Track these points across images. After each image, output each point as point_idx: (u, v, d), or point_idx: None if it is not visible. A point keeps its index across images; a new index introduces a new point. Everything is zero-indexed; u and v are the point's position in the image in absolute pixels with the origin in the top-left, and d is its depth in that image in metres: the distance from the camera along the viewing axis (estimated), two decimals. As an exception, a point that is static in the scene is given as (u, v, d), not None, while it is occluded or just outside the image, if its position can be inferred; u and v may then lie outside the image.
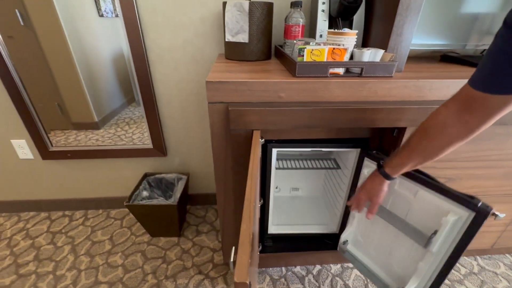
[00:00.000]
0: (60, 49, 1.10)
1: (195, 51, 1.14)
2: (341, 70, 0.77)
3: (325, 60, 0.74)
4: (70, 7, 1.03)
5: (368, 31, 0.89)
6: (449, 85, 0.76)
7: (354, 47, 0.78)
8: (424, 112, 0.75)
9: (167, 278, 1.14)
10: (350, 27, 0.90)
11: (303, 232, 1.14)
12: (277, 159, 1.17)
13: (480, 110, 0.49)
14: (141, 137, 1.32)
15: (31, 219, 1.46)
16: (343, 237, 0.98)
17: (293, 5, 0.92)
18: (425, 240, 0.70)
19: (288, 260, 1.19)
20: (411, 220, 0.75)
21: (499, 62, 0.44)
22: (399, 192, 0.76)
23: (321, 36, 0.93)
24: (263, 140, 0.85)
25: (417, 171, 0.71)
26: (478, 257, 1.26)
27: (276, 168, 0.97)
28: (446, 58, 1.10)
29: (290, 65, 0.80)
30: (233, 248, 0.45)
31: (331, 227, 1.13)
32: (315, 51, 0.73)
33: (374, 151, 0.83)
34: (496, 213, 1.02)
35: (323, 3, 0.89)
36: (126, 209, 1.52)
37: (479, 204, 0.60)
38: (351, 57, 0.79)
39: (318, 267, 1.20)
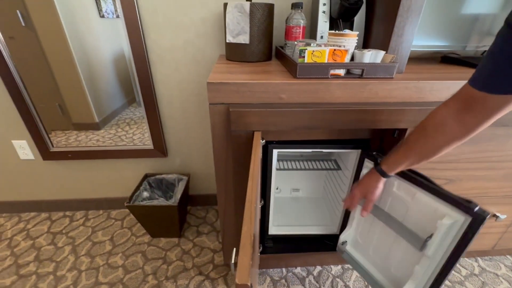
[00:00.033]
0: (61, 50, 1.10)
1: (196, 51, 1.14)
2: (342, 72, 0.77)
3: (326, 61, 0.74)
4: (71, 8, 1.04)
5: (369, 32, 0.89)
6: (450, 86, 0.76)
7: (355, 49, 0.78)
8: (424, 114, 0.74)
9: (168, 279, 1.14)
10: (351, 29, 0.90)
11: (304, 233, 1.14)
12: (278, 160, 1.17)
13: (480, 110, 0.49)
14: (142, 137, 1.32)
15: (31, 219, 1.46)
16: (342, 237, 0.98)
17: (294, 6, 0.93)
18: (421, 243, 0.69)
19: (289, 261, 1.19)
20: (408, 223, 0.75)
21: (500, 62, 0.44)
22: (398, 194, 0.76)
23: (321, 37, 0.93)
24: (264, 141, 0.85)
25: (416, 173, 0.71)
26: (479, 258, 1.25)
27: (277, 169, 0.98)
28: (446, 59, 1.10)
29: (291, 66, 0.80)
30: (234, 249, 0.45)
31: (332, 228, 1.13)
32: (316, 52, 0.73)
33: (375, 152, 0.83)
34: (497, 214, 1.03)
35: (324, 4, 0.90)
36: (127, 210, 1.53)
37: (476, 209, 0.58)
38: (352, 58, 0.79)
39: (318, 268, 1.20)
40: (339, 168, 1.13)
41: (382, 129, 0.83)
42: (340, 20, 0.89)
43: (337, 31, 0.77)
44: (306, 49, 0.73)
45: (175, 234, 1.34)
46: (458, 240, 0.62)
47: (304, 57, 0.74)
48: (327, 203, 1.30)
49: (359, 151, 0.91)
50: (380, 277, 0.87)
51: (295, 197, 1.39)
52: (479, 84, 0.48)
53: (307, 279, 1.15)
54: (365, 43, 0.92)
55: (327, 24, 0.92)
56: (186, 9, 1.06)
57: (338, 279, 1.15)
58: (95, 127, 1.30)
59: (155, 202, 1.26)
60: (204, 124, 1.32)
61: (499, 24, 0.44)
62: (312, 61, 0.74)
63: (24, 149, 1.32)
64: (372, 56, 0.76)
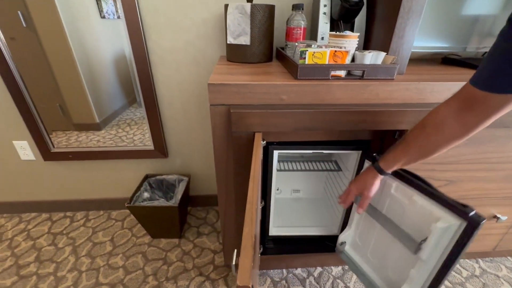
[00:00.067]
0: (61, 51, 1.11)
1: (196, 52, 1.14)
2: (342, 73, 0.77)
3: (326, 62, 0.74)
4: (72, 9, 1.04)
5: (370, 33, 0.90)
6: (450, 87, 0.77)
7: (355, 50, 0.78)
8: (425, 115, 0.75)
9: (168, 279, 1.14)
10: (352, 30, 0.91)
11: (304, 234, 1.14)
12: (278, 161, 1.17)
13: (480, 109, 0.49)
14: (142, 138, 1.33)
15: (32, 220, 1.46)
16: (341, 238, 0.98)
17: (295, 7, 0.93)
18: (415, 246, 0.68)
19: (289, 262, 1.19)
20: (404, 225, 0.74)
21: (501, 62, 0.44)
22: (395, 196, 0.75)
23: (322, 38, 0.93)
24: (265, 142, 0.85)
25: (414, 175, 0.71)
26: (479, 260, 1.25)
27: (277, 170, 0.98)
28: (447, 60, 1.10)
29: (291, 68, 0.80)
30: (235, 250, 0.45)
31: (332, 229, 1.13)
32: (317, 53, 0.73)
33: (375, 154, 0.83)
34: (498, 215, 1.03)
35: (325, 5, 0.90)
36: (127, 211, 1.53)
37: (471, 213, 0.57)
38: (353, 60, 0.79)
39: (319, 269, 1.20)
40: (339, 169, 1.13)
41: (383, 130, 0.83)
42: (341, 21, 0.89)
43: (337, 33, 0.77)
44: (307, 50, 0.73)
45: (176, 235, 1.34)
46: (454, 244, 0.61)
47: (305, 58, 0.74)
48: (327, 204, 1.30)
49: (360, 152, 0.91)
50: (377, 279, 0.86)
51: (295, 198, 1.39)
52: (480, 84, 0.48)
53: (307, 280, 1.15)
54: (366, 45, 0.92)
55: (328, 26, 0.92)
56: (187, 10, 1.06)
57: (338, 280, 1.15)
58: (96, 127, 1.30)
59: (155, 203, 1.26)
60: (204, 125, 1.32)
61: (500, 25, 0.44)
62: (313, 63, 0.74)
63: (25, 149, 1.32)
64: (373, 57, 0.76)
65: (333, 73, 0.76)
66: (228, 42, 0.96)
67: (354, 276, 1.17)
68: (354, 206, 0.93)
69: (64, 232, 1.39)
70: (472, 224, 0.57)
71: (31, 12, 1.03)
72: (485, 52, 1.06)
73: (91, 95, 1.22)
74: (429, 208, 0.65)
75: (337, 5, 0.85)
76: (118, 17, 1.05)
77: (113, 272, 1.17)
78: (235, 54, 0.98)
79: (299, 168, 1.16)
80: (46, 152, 1.31)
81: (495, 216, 1.03)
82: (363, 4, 0.84)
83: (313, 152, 1.13)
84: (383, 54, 0.76)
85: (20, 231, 1.39)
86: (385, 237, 0.81)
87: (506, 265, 1.23)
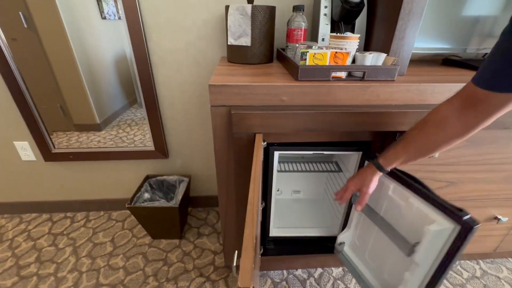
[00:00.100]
0: (62, 51, 1.11)
1: (197, 53, 1.14)
2: (343, 74, 0.78)
3: (327, 64, 0.74)
4: (73, 10, 1.04)
5: (370, 35, 0.90)
6: (451, 89, 0.76)
7: (356, 51, 0.78)
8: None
9: (168, 280, 1.14)
10: (352, 31, 0.91)
11: (305, 235, 1.14)
12: (279, 162, 1.17)
13: (482, 108, 0.50)
14: (143, 139, 1.33)
15: (32, 220, 1.46)
16: (340, 238, 0.98)
17: (295, 9, 0.93)
18: (408, 248, 0.68)
19: (290, 263, 1.19)
20: (400, 227, 0.74)
21: (503, 61, 0.45)
22: (393, 198, 0.75)
23: (323, 39, 0.93)
24: (265, 143, 0.85)
25: (412, 177, 0.71)
26: (480, 261, 1.25)
27: (278, 171, 0.97)
28: (447, 61, 1.10)
29: (292, 69, 0.81)
30: (236, 252, 0.45)
31: (333, 230, 1.13)
32: (318, 55, 0.73)
33: (376, 155, 0.83)
34: (499, 217, 1.03)
35: (325, 7, 0.90)
36: (128, 211, 1.53)
37: (465, 217, 0.56)
38: (353, 61, 0.79)
39: (319, 270, 1.20)
40: (340, 170, 1.13)
41: (384, 131, 0.83)
42: (342, 22, 0.89)
43: (338, 34, 0.77)
44: (308, 51, 0.73)
45: (176, 235, 1.34)
46: (448, 248, 0.60)
47: (305, 59, 0.74)
48: (328, 205, 1.30)
49: (360, 153, 0.91)
50: (374, 281, 0.86)
51: (296, 199, 1.39)
52: (482, 83, 0.49)
53: (308, 281, 1.15)
54: (367, 46, 0.92)
55: (329, 27, 0.92)
56: (188, 11, 1.06)
57: (339, 281, 1.15)
58: (96, 128, 1.30)
59: (156, 204, 1.26)
60: (205, 125, 1.32)
61: (500, 26, 0.44)
62: (313, 64, 0.74)
63: (26, 150, 1.32)
64: (374, 58, 0.76)
65: (333, 74, 0.76)
66: (228, 43, 0.96)
67: (355, 277, 1.17)
68: (354, 207, 0.93)
69: (65, 232, 1.39)
70: (466, 228, 0.56)
71: (32, 13, 1.04)
72: (486, 53, 1.07)
73: (91, 96, 1.22)
74: (425, 211, 0.65)
75: (338, 7, 0.85)
76: (119, 18, 1.05)
77: (113, 273, 1.17)
78: (235, 55, 0.98)
79: (299, 169, 1.16)
80: (46, 152, 1.32)
81: (495, 218, 1.02)
82: (363, 6, 0.84)
83: (313, 153, 1.13)
84: (383, 55, 0.76)
85: (20, 232, 1.39)
86: (382, 239, 0.80)
87: (507, 267, 1.23)
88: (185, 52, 1.14)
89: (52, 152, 1.32)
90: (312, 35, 1.02)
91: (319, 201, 1.37)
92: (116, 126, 1.31)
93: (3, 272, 1.17)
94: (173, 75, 1.18)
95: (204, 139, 1.36)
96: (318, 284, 1.14)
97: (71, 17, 1.05)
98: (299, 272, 1.19)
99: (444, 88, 0.77)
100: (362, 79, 0.77)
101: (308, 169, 1.16)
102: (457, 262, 1.24)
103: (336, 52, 0.73)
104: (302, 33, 0.94)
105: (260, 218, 0.77)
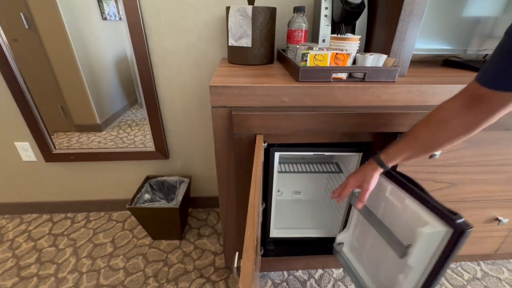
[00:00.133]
0: (63, 52, 1.11)
1: (198, 54, 1.14)
2: (344, 75, 0.78)
3: (328, 65, 0.74)
4: (73, 10, 1.04)
5: (371, 36, 0.90)
6: (452, 90, 0.76)
7: (357, 52, 0.78)
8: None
9: (169, 281, 1.14)
10: (353, 32, 0.91)
11: (305, 236, 1.14)
12: (279, 163, 1.17)
13: (485, 107, 0.50)
14: (143, 139, 1.33)
15: (33, 221, 1.47)
16: (338, 238, 0.98)
17: (296, 10, 0.93)
18: (402, 250, 0.67)
19: (290, 264, 1.19)
20: (395, 229, 0.73)
21: (507, 60, 0.45)
22: (389, 200, 0.75)
23: (323, 41, 0.93)
24: (266, 144, 0.85)
25: (409, 179, 0.71)
26: (481, 262, 1.25)
27: (278, 172, 0.97)
28: (448, 62, 1.11)
29: (293, 70, 0.81)
30: (237, 253, 0.45)
31: (333, 231, 1.13)
32: (318, 56, 0.73)
33: (377, 152, 0.83)
34: (500, 218, 1.03)
35: (326, 8, 0.90)
36: (128, 212, 1.53)
37: (458, 221, 0.56)
38: (354, 62, 0.79)
39: (320, 271, 1.20)
40: (340, 171, 1.13)
41: (384, 132, 0.83)
42: (342, 24, 0.89)
43: (339, 35, 0.77)
44: (308, 52, 0.73)
45: (176, 236, 1.34)
46: (441, 252, 0.60)
47: (306, 60, 0.74)
48: (328, 205, 1.30)
49: (361, 154, 0.91)
50: (370, 283, 0.86)
51: (296, 200, 1.39)
52: (485, 81, 0.49)
53: (308, 283, 1.15)
54: (367, 47, 0.92)
55: (329, 28, 0.92)
56: (188, 12, 1.06)
57: (339, 283, 1.15)
58: (97, 128, 1.31)
59: (156, 204, 1.26)
60: (206, 126, 1.32)
61: (500, 27, 0.44)
62: (314, 65, 0.74)
63: (27, 151, 1.32)
64: (374, 60, 0.76)
65: (334, 75, 0.76)
66: (229, 44, 0.96)
67: (355, 278, 1.16)
68: (353, 208, 0.93)
69: (65, 233, 1.39)
70: (459, 232, 0.56)
71: (33, 14, 1.04)
72: (486, 54, 1.06)
73: (92, 96, 1.22)
74: (419, 213, 0.64)
75: (339, 8, 0.85)
76: (120, 19, 1.05)
77: (113, 274, 1.17)
78: (236, 56, 0.98)
79: (300, 170, 1.16)
80: (47, 153, 1.32)
81: (496, 219, 1.02)
82: (364, 7, 0.84)
83: (314, 154, 1.13)
84: (384, 56, 0.76)
85: (21, 232, 1.39)
86: (379, 241, 0.80)
87: (508, 268, 1.22)
88: (185, 53, 1.14)
89: (53, 152, 1.32)
90: (313, 36, 1.02)
91: (319, 202, 1.37)
92: (116, 127, 1.31)
93: (4, 273, 1.17)
94: (173, 76, 1.18)
95: (205, 140, 1.36)
96: (318, 285, 1.14)
97: (72, 18, 1.06)
98: (299, 273, 1.19)
99: (445, 89, 0.77)
100: (362, 80, 0.77)
101: (308, 170, 1.16)
102: (457, 264, 1.24)
103: (336, 53, 0.74)
104: (303, 34, 0.94)
105: (260, 219, 0.77)
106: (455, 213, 0.58)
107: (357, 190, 0.84)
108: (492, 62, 0.48)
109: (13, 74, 1.11)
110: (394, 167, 0.79)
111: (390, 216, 0.76)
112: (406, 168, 0.87)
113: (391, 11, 0.78)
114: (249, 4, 0.92)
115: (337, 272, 1.19)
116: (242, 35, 0.92)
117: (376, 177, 0.72)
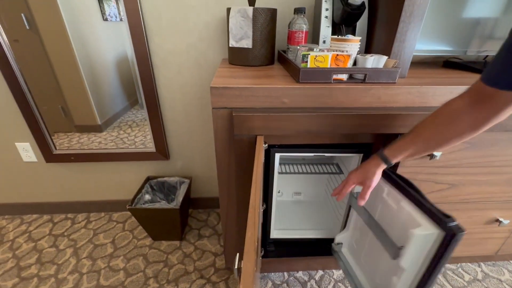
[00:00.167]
0: (64, 52, 1.11)
1: (198, 55, 1.15)
2: (344, 76, 0.78)
3: (328, 66, 0.74)
4: (74, 11, 1.05)
5: (371, 37, 0.90)
6: (452, 91, 0.77)
7: (357, 53, 0.78)
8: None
9: (169, 282, 1.14)
10: (353, 33, 0.91)
11: (306, 237, 1.14)
12: (280, 164, 1.17)
13: (489, 105, 0.50)
14: (144, 140, 1.33)
15: (33, 221, 1.47)
16: (337, 238, 0.98)
17: (297, 11, 0.93)
18: (394, 251, 0.67)
19: (290, 265, 1.19)
20: (391, 231, 0.73)
21: (509, 59, 0.45)
22: (386, 201, 0.75)
23: (324, 42, 0.93)
24: (266, 145, 0.85)
25: (406, 181, 0.71)
26: (482, 264, 1.25)
27: (279, 173, 0.97)
28: (448, 63, 1.11)
29: (293, 71, 0.81)
30: (238, 254, 0.45)
31: (334, 232, 1.13)
32: (319, 57, 0.73)
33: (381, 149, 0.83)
34: (500, 219, 1.03)
35: (327, 9, 0.90)
36: (129, 213, 1.53)
37: (450, 224, 0.55)
38: (355, 63, 0.79)
39: (320, 272, 1.20)
40: (341, 172, 1.13)
41: (385, 134, 0.83)
42: (343, 25, 0.89)
43: (339, 36, 0.77)
44: (309, 54, 0.73)
45: (177, 237, 1.34)
46: (433, 254, 0.60)
47: (306, 62, 0.74)
48: (328, 206, 1.30)
49: (361, 155, 0.91)
50: (366, 284, 0.85)
51: (296, 201, 1.39)
52: (489, 80, 0.49)
53: (308, 284, 1.15)
54: (368, 48, 0.92)
55: (330, 29, 0.92)
56: (189, 13, 1.06)
57: (340, 284, 1.15)
58: (98, 129, 1.31)
59: (157, 205, 1.26)
60: (206, 127, 1.32)
61: (500, 28, 0.44)
62: (314, 66, 0.74)
63: (27, 151, 1.32)
64: (375, 61, 0.76)
65: (335, 76, 0.76)
66: (230, 45, 0.96)
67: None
68: (352, 209, 0.93)
69: (65, 234, 1.39)
70: (450, 235, 0.55)
71: (34, 15, 1.04)
72: (487, 56, 1.06)
73: (93, 97, 1.22)
74: (414, 215, 0.64)
75: (339, 9, 0.85)
76: (121, 20, 1.05)
77: (114, 274, 1.17)
78: (237, 57, 0.98)
79: (300, 170, 1.16)
80: (48, 153, 1.32)
81: (497, 220, 1.02)
82: (365, 8, 0.84)
83: (314, 155, 1.13)
84: (384, 57, 0.76)
85: (21, 233, 1.39)
86: (375, 242, 0.80)
87: (508, 269, 1.22)
88: (186, 54, 1.14)
89: (53, 153, 1.32)
90: (313, 37, 1.02)
91: (320, 203, 1.37)
92: (117, 127, 1.31)
93: (4, 273, 1.17)
94: (174, 77, 1.19)
95: (205, 141, 1.36)
96: (319, 286, 1.14)
97: (72, 19, 1.06)
98: (300, 274, 1.19)
99: (445, 91, 0.77)
100: (363, 81, 0.77)
101: (309, 171, 1.16)
102: (458, 265, 1.24)
103: (337, 55, 0.74)
104: (303, 35, 0.94)
105: (261, 220, 0.77)
106: (448, 216, 0.58)
107: (356, 190, 0.84)
108: (496, 62, 0.48)
109: (14, 75, 1.11)
110: (393, 168, 0.79)
111: (386, 217, 0.76)
112: (407, 169, 0.87)
113: (391, 13, 0.78)
114: (249, 5, 0.92)
115: (338, 273, 1.19)
116: (242, 36, 0.92)
117: (378, 173, 0.70)
